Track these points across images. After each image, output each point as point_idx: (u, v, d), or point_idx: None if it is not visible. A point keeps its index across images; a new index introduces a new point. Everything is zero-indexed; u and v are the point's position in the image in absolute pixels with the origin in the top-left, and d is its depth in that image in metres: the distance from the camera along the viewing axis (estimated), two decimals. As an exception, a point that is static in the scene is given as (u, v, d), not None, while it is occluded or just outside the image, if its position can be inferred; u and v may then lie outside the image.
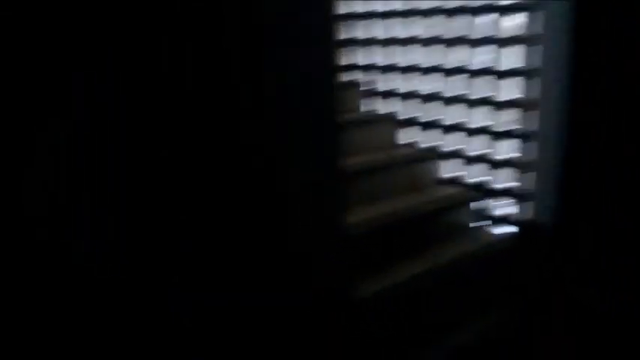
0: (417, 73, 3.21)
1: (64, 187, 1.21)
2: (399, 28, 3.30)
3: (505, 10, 2.74)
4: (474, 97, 2.96)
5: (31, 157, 1.17)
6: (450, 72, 3.06)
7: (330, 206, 1.83)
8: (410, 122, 3.27)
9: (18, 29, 1.12)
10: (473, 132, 2.99)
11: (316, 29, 1.64)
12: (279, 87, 1.56)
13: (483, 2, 2.80)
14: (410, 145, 3.26)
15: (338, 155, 1.81)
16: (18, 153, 1.15)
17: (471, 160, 3.01)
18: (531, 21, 2.61)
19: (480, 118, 2.98)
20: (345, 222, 1.91)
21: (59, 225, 1.21)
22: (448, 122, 3.11)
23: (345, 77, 3.52)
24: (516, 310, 2.59)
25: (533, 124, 2.65)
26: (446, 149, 3.12)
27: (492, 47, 2.82)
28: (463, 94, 3.00)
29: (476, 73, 2.93)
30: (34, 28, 1.14)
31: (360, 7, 3.47)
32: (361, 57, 3.52)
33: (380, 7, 3.35)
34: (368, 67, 3.47)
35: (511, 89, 2.82)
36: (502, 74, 2.80)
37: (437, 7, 3.03)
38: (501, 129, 2.86)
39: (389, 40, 3.36)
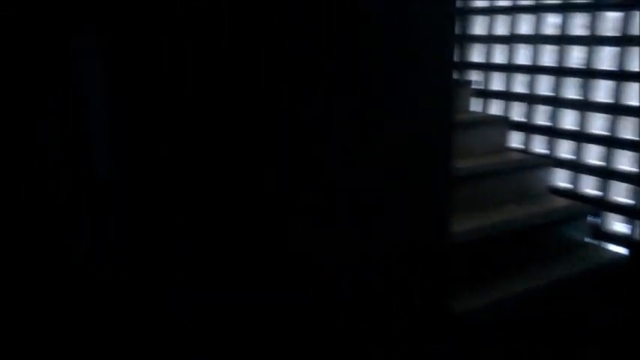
0: (534, 73, 2.90)
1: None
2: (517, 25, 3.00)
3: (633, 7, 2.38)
4: (594, 100, 2.60)
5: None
6: (570, 73, 2.72)
7: (436, 212, 1.71)
8: (523, 125, 2.96)
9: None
10: (591, 139, 2.63)
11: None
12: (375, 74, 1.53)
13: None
14: (522, 150, 2.96)
15: (450, 157, 1.69)
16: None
17: (587, 170, 2.65)
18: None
19: (599, 124, 2.61)
20: (451, 229, 1.77)
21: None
22: (566, 127, 2.76)
23: (456, 75, 3.30)
24: (623, 342, 2.22)
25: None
26: (561, 156, 2.78)
27: (617, 47, 2.46)
28: (582, 98, 2.65)
29: (597, 75, 2.57)
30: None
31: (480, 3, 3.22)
32: (475, 54, 3.27)
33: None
34: (481, 66, 3.21)
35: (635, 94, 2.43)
36: (626, 77, 2.43)
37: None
38: (621, 137, 2.48)
39: (499, 37, 3.09)
